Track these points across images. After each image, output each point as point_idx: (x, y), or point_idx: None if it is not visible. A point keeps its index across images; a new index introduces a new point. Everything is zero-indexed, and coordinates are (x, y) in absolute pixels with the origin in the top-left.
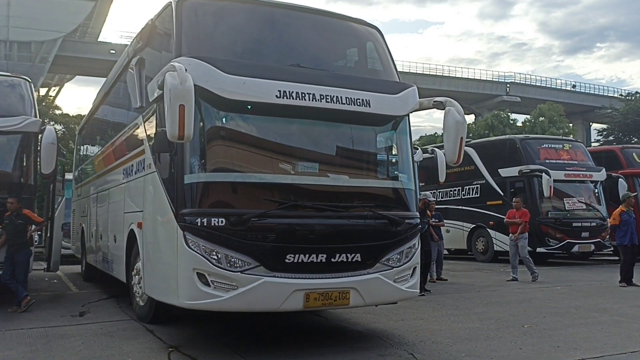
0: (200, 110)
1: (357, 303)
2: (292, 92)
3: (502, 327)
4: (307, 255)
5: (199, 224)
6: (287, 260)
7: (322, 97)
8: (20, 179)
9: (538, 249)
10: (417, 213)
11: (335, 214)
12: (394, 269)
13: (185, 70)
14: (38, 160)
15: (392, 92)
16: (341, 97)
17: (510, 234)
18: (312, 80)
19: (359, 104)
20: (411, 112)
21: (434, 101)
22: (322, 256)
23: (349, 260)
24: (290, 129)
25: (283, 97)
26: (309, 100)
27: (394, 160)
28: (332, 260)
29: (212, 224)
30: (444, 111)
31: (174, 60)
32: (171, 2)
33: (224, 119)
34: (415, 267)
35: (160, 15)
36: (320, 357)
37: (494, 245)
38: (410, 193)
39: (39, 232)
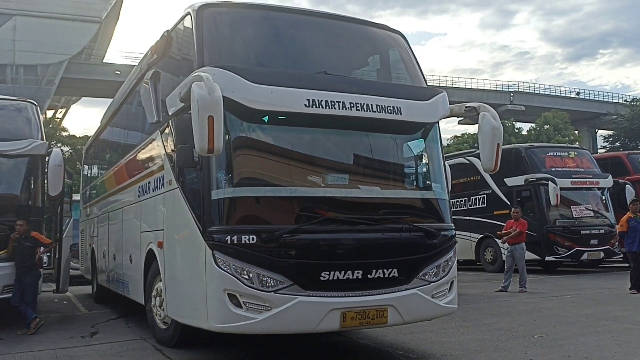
0: (226, 122)
1: (395, 321)
2: (322, 100)
3: (512, 337)
4: (342, 272)
5: (228, 242)
6: (322, 278)
7: (352, 105)
8: (28, 201)
9: (547, 258)
10: (452, 224)
11: (370, 228)
12: (432, 283)
13: (212, 79)
14: (45, 182)
15: (422, 99)
16: (371, 104)
17: (507, 245)
18: (341, 88)
19: (389, 111)
20: (442, 119)
21: (466, 107)
22: (358, 272)
23: (386, 276)
24: (319, 139)
25: (312, 106)
26: (339, 108)
27: (425, 169)
28: (369, 276)
29: (243, 242)
30: (479, 116)
31: (199, 70)
32: (190, 11)
33: (251, 131)
34: (452, 282)
35: (177, 26)
36: None
37: (503, 255)
38: (445, 203)
39: (48, 254)
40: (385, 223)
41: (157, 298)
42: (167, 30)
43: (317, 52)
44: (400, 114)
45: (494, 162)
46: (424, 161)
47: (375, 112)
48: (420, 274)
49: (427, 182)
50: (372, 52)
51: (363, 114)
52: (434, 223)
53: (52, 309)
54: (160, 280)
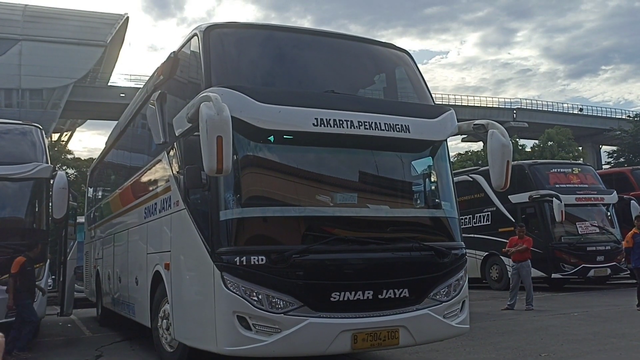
0: (234, 142)
1: (407, 342)
2: (330, 119)
3: (519, 356)
4: (353, 293)
5: (237, 263)
6: (332, 299)
7: (360, 123)
8: (32, 224)
9: (553, 275)
10: (463, 243)
11: (380, 247)
12: (443, 303)
13: (220, 99)
14: (50, 205)
15: (430, 117)
16: (380, 123)
17: (512, 262)
18: (349, 107)
19: (398, 129)
20: (450, 137)
21: (475, 124)
22: (368, 293)
23: (397, 296)
24: (328, 158)
25: (320, 125)
26: (347, 127)
27: (434, 187)
28: (379, 296)
29: (252, 263)
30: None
31: (207, 90)
32: (197, 32)
33: (259, 150)
34: (464, 301)
35: (184, 47)
36: None
37: (508, 272)
38: (454, 221)
39: (52, 276)
40: (395, 242)
41: (164, 320)
42: (174, 52)
43: (323, 72)
44: (409, 132)
45: (504, 179)
46: (432, 179)
47: (383, 130)
48: (432, 293)
49: (437, 200)
50: (379, 70)
51: (371, 133)
52: (444, 242)
53: (56, 332)
54: (167, 303)
